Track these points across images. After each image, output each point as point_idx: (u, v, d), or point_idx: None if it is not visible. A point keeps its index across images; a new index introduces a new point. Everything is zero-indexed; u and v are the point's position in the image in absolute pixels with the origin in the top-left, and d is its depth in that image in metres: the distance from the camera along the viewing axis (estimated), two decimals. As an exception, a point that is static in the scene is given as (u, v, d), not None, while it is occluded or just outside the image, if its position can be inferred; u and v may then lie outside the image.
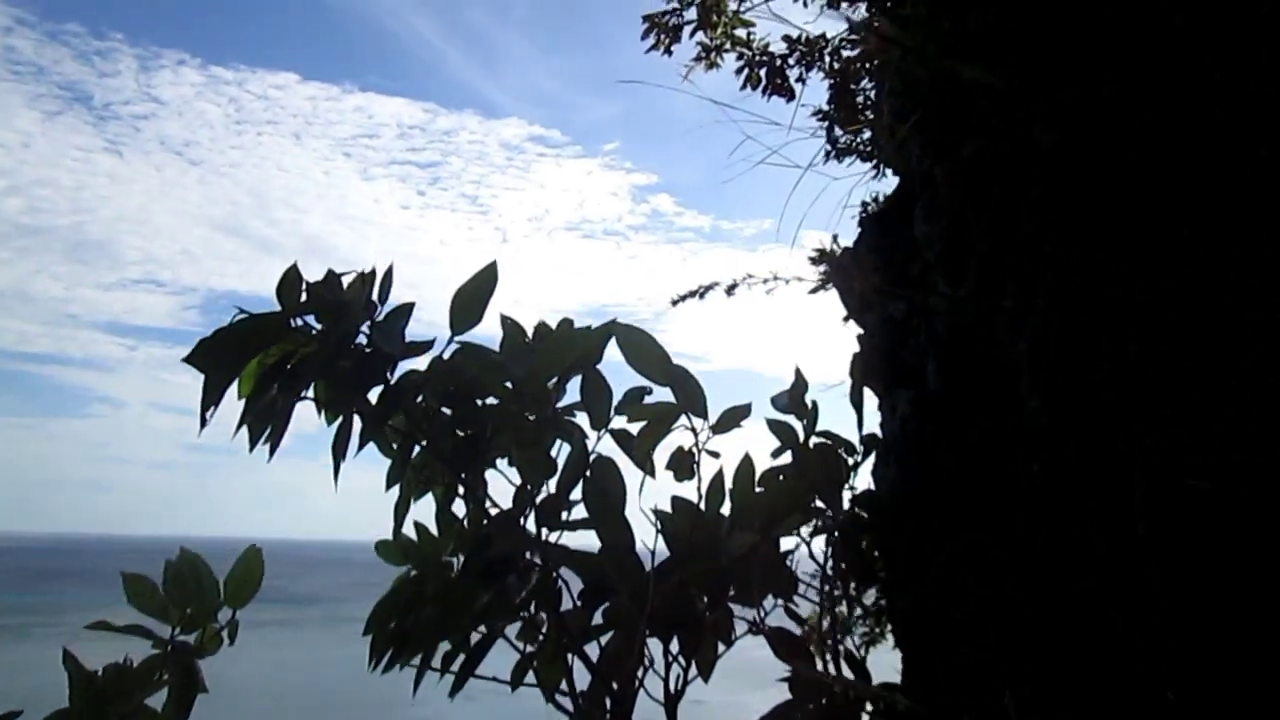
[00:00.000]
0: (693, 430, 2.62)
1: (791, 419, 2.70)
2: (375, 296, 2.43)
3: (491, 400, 2.53)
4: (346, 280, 2.45)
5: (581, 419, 2.59)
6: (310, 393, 2.43)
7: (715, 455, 2.63)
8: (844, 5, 7.58)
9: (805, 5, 8.04)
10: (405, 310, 2.47)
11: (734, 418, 2.65)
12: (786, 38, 8.13)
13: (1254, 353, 1.81)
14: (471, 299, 2.48)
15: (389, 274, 2.46)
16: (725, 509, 2.63)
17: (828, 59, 7.95)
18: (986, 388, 2.19)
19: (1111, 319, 1.92)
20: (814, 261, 7.81)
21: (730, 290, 3.93)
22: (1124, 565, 1.79)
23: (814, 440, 2.68)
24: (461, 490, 2.53)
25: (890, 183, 3.67)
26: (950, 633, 2.21)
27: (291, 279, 2.38)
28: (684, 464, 2.60)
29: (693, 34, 8.19)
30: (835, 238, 7.83)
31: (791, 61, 8.19)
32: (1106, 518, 1.82)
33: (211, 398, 2.27)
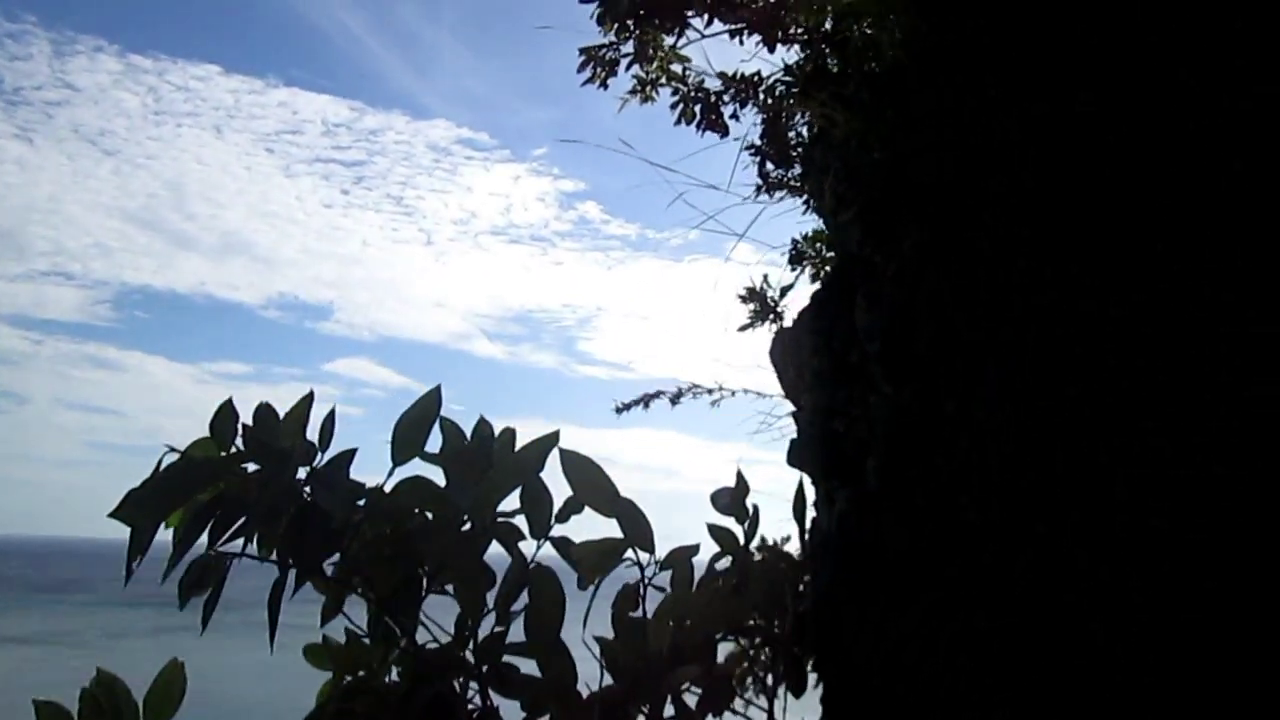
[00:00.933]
0: (639, 565, 2.55)
1: (732, 522, 2.65)
2: (315, 439, 2.33)
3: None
4: (285, 410, 2.34)
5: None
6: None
7: (661, 590, 2.59)
8: (780, 47, 7.72)
9: (740, 43, 8.18)
10: (345, 459, 2.36)
11: (682, 556, 2.59)
12: (722, 74, 8.28)
13: (1229, 366, 1.81)
14: (411, 429, 2.39)
15: (330, 419, 2.36)
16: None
17: (762, 95, 8.11)
18: (929, 491, 2.17)
19: (1086, 333, 1.92)
20: (743, 300, 7.81)
21: (675, 400, 3.94)
22: (1105, 577, 1.79)
23: (757, 548, 2.67)
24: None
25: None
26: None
27: (226, 418, 2.27)
28: (629, 600, 2.57)
29: (628, 67, 8.29)
30: (765, 278, 7.71)
31: (726, 98, 8.34)
32: (1087, 530, 1.82)
33: (139, 548, 2.15)
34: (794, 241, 8.57)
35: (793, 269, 8.91)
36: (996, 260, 2.11)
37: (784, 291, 7.76)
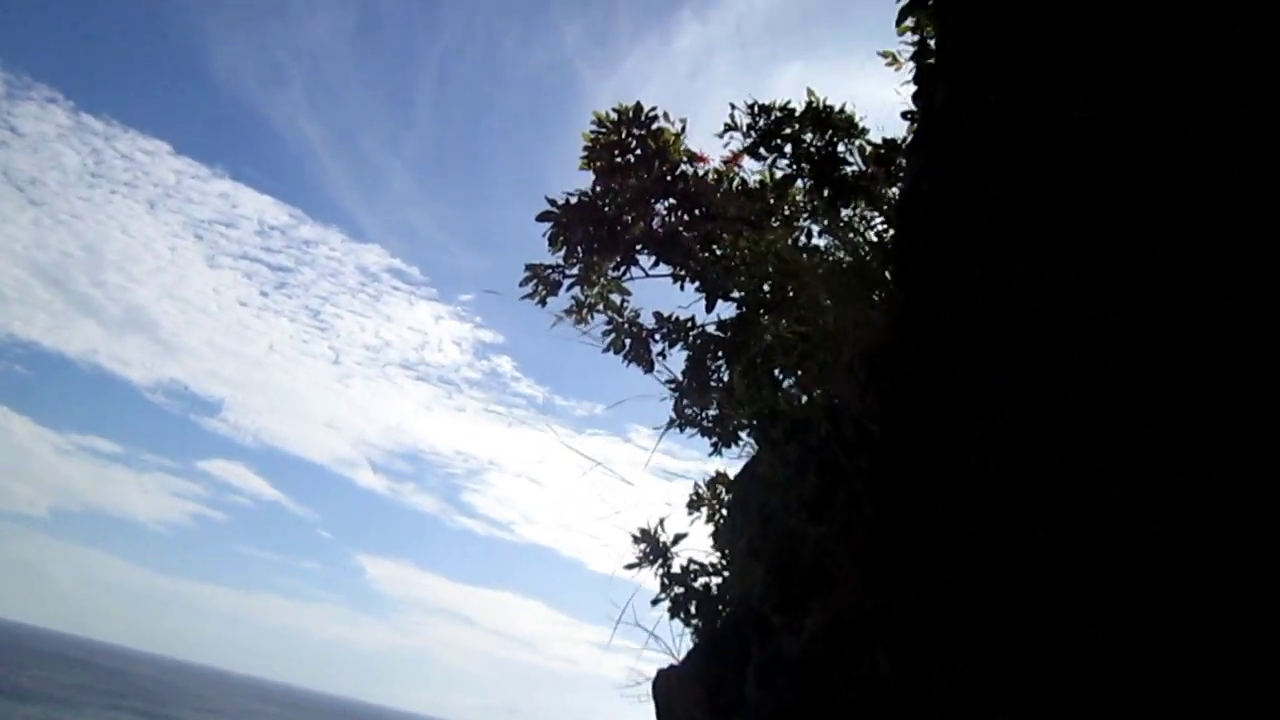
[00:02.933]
0: None
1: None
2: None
3: None
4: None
5: None
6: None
7: None
8: (719, 303, 8.04)
9: (681, 288, 8.49)
10: None
11: None
12: (657, 314, 8.55)
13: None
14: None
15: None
16: None
17: (692, 338, 8.36)
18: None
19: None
20: (635, 540, 7.54)
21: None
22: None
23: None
24: None
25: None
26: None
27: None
28: None
29: (569, 289, 8.54)
30: (662, 522, 7.57)
31: (657, 337, 8.57)
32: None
33: None
34: (695, 485, 8.39)
35: (689, 513, 8.69)
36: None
37: (677, 538, 7.53)
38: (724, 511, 7.94)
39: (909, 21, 6.00)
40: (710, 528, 7.78)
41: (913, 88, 6.38)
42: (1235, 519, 1.68)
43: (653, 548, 7.14)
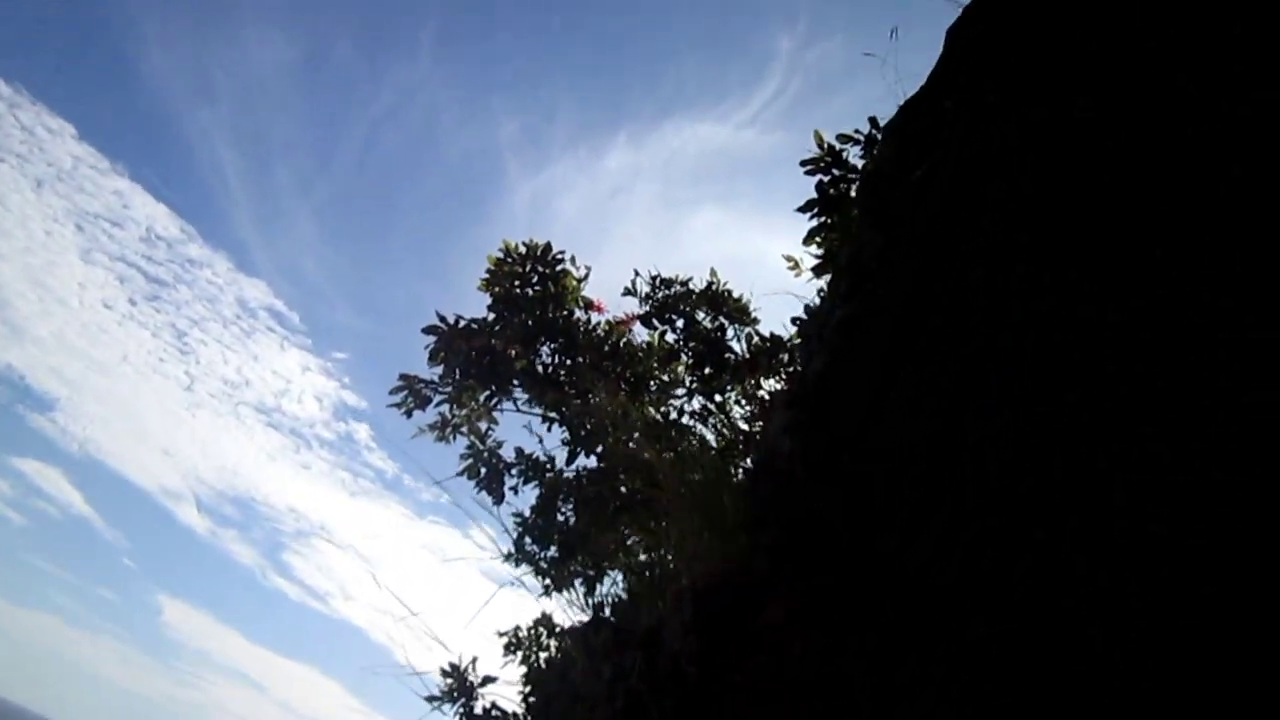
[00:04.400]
0: None
1: None
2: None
3: None
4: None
5: None
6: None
7: None
8: (580, 457, 7.95)
9: (549, 430, 8.34)
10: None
11: None
12: (519, 450, 8.34)
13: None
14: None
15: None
16: None
17: (546, 479, 8.14)
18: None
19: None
20: (444, 674, 7.10)
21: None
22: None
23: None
24: None
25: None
26: None
27: None
28: None
29: (437, 405, 8.26)
30: (474, 661, 7.21)
31: (514, 472, 8.31)
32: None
33: None
34: (515, 629, 8.15)
35: (504, 655, 8.27)
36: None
37: (485, 680, 7.08)
38: (541, 662, 7.54)
39: (817, 220, 6.45)
40: (524, 670, 7.35)
41: (810, 283, 6.75)
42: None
43: (460, 685, 6.60)
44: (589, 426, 7.45)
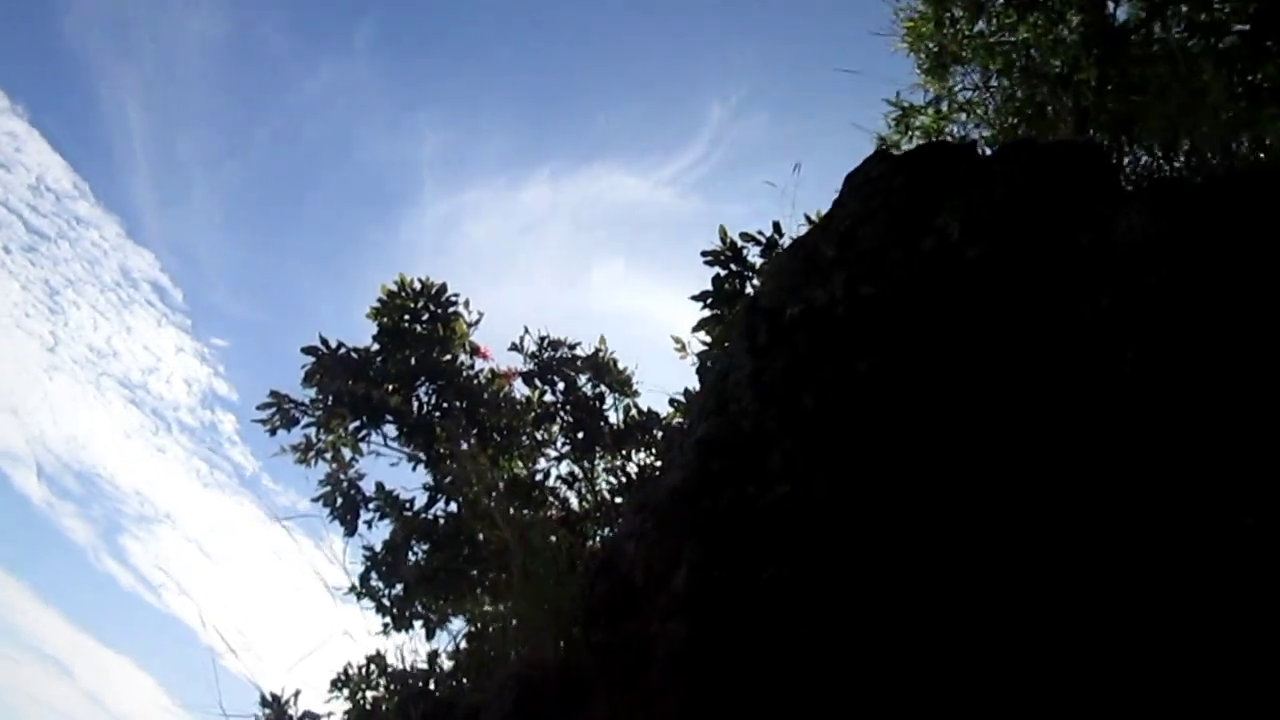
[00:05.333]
0: None
1: None
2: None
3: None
4: None
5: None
6: None
7: None
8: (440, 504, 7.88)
9: (414, 470, 8.26)
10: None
11: None
12: (379, 485, 8.21)
13: None
14: None
15: None
16: None
17: (403, 517, 8.02)
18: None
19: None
20: (263, 702, 6.99)
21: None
22: None
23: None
24: None
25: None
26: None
27: None
28: None
29: (305, 427, 8.10)
30: (297, 694, 7.19)
31: (371, 506, 8.17)
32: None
33: None
34: (345, 667, 8.02)
35: (331, 690, 8.07)
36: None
37: (306, 716, 6.98)
38: (368, 703, 7.37)
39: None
40: (349, 707, 7.17)
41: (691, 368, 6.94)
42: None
43: (278, 717, 6.40)
44: (453, 474, 7.46)
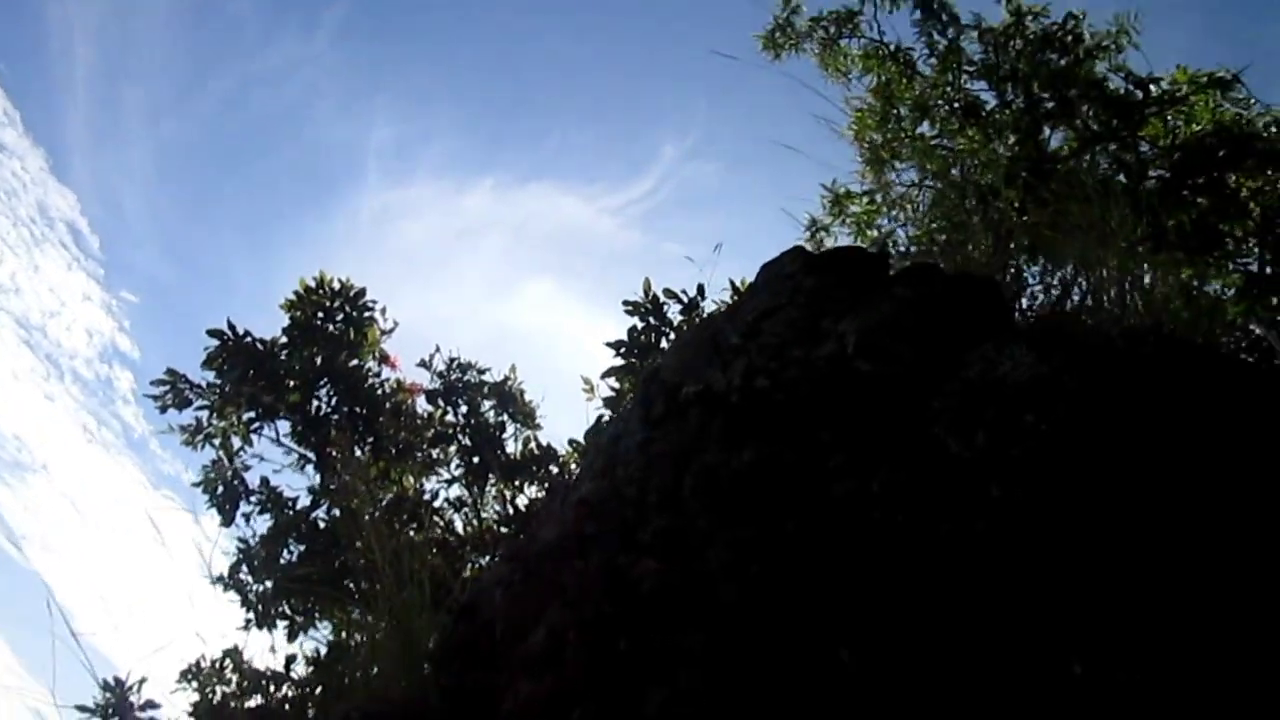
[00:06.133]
0: None
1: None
2: None
3: None
4: None
5: None
6: None
7: None
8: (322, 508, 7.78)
9: (303, 470, 8.09)
10: None
11: None
12: (265, 480, 8.02)
13: None
14: None
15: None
16: None
17: (283, 515, 7.84)
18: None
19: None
20: (104, 686, 6.87)
21: None
22: None
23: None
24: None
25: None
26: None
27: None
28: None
29: (197, 409, 7.89)
30: (142, 682, 7.07)
31: (253, 499, 7.99)
32: None
33: None
34: (199, 659, 7.82)
35: (179, 681, 7.90)
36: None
37: (147, 705, 6.86)
38: (217, 698, 7.18)
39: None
40: (196, 700, 6.99)
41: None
42: None
43: (119, 703, 6.20)
44: (340, 480, 7.37)
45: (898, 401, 2.53)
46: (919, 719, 1.96)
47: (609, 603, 2.67)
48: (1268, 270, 8.24)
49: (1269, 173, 7.54)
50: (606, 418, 5.79)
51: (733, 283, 6.56)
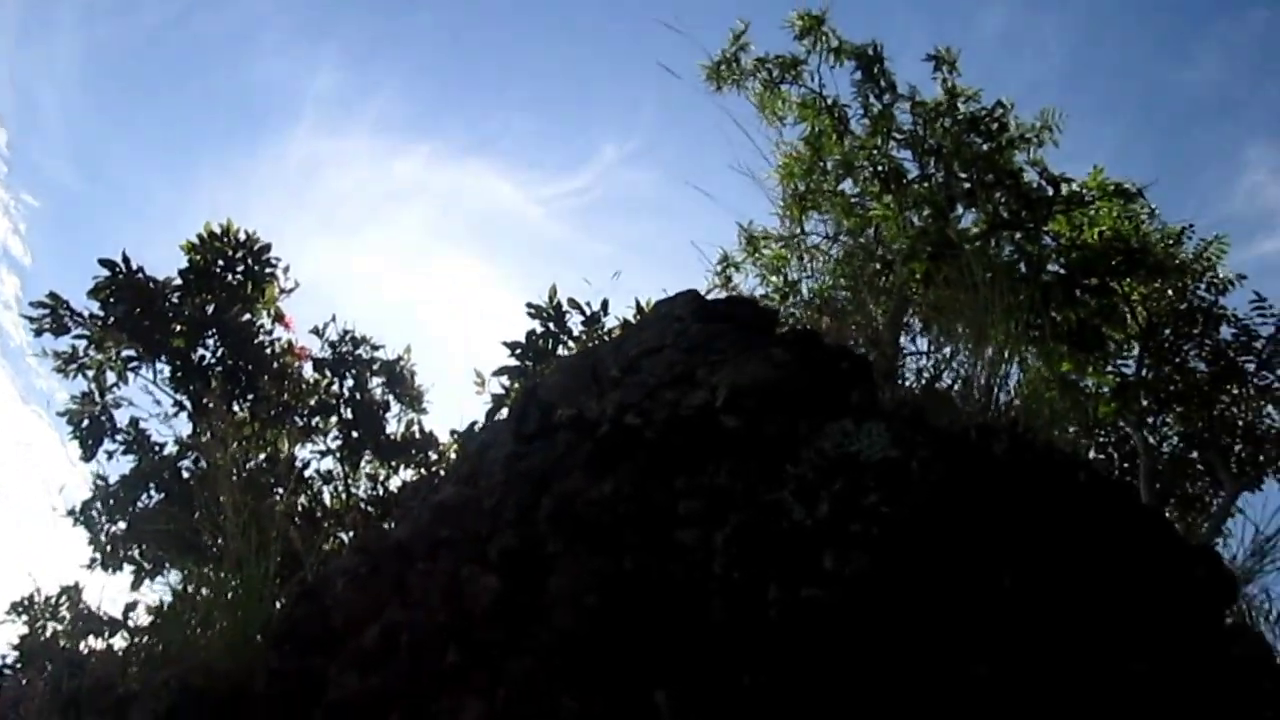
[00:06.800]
0: None
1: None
2: None
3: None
4: None
5: None
6: None
7: None
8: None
9: (175, 416, 7.89)
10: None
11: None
12: (134, 420, 7.74)
13: None
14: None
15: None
16: None
17: (149, 456, 7.61)
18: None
19: None
20: None
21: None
22: None
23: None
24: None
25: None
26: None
27: None
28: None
29: (75, 338, 7.60)
30: None
31: (119, 438, 7.71)
32: None
33: None
34: (34, 593, 7.65)
35: (8, 614, 7.66)
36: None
37: None
38: (48, 635, 6.95)
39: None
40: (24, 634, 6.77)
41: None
42: None
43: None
44: (212, 432, 7.18)
45: (755, 460, 2.62)
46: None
47: (446, 612, 2.70)
48: (1145, 374, 8.70)
49: (1157, 284, 7.97)
50: (480, 424, 5.75)
51: (638, 301, 6.66)
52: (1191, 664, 2.35)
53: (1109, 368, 8.18)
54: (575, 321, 6.71)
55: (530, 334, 6.60)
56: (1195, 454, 10.11)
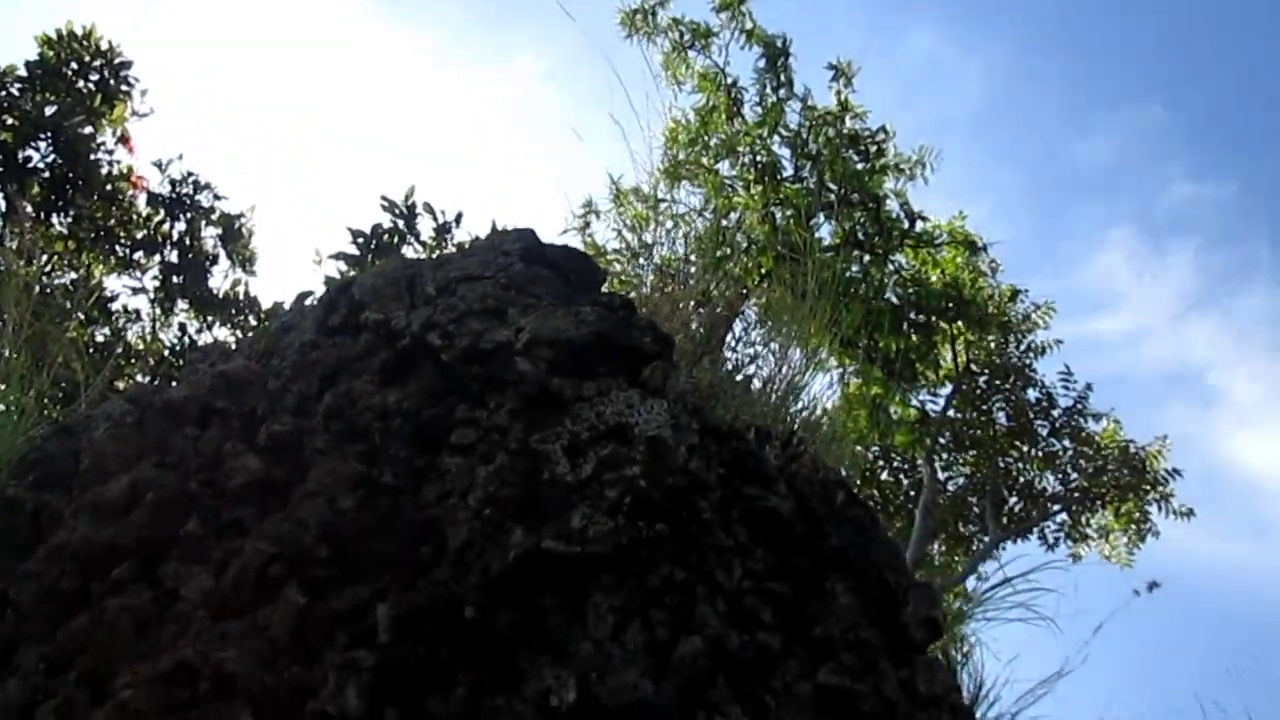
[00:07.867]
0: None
1: None
2: None
3: None
4: None
5: None
6: None
7: None
8: None
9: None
10: None
11: None
12: None
13: None
14: None
15: None
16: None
17: None
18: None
19: None
20: None
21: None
22: None
23: None
24: None
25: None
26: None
27: None
28: None
29: None
30: None
31: None
32: None
33: None
34: None
35: None
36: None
37: None
38: None
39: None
40: None
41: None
42: None
43: None
44: (21, 239, 6.75)
45: (538, 409, 2.71)
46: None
47: (199, 482, 2.70)
48: (950, 414, 9.28)
49: (979, 335, 8.49)
50: (290, 305, 5.64)
51: (494, 224, 6.63)
52: (884, 688, 2.57)
53: (914, 401, 8.66)
54: (426, 225, 6.65)
55: (377, 226, 6.49)
56: (974, 499, 10.92)
